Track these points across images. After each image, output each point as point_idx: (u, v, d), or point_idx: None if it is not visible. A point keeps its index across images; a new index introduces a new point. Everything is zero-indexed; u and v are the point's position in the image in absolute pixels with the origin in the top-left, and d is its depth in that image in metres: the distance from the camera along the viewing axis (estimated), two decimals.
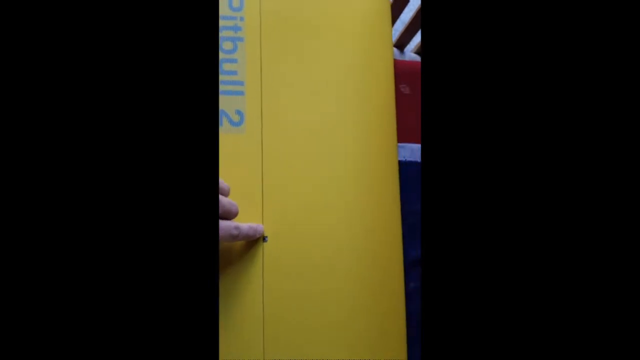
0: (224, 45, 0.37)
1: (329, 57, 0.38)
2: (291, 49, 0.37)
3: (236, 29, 0.37)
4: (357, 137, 0.37)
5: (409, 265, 0.39)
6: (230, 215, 0.31)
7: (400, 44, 0.49)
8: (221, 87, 0.36)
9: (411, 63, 0.47)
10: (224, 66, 0.36)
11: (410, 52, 0.50)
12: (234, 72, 0.36)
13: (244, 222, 0.32)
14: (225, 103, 0.36)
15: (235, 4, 0.37)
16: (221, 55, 0.36)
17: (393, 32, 0.42)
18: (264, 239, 0.34)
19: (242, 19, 0.37)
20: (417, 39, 0.49)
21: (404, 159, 0.43)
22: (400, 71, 0.45)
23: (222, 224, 0.30)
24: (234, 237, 0.31)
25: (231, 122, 0.35)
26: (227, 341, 0.32)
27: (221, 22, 0.37)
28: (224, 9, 0.37)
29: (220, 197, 0.31)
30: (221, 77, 0.36)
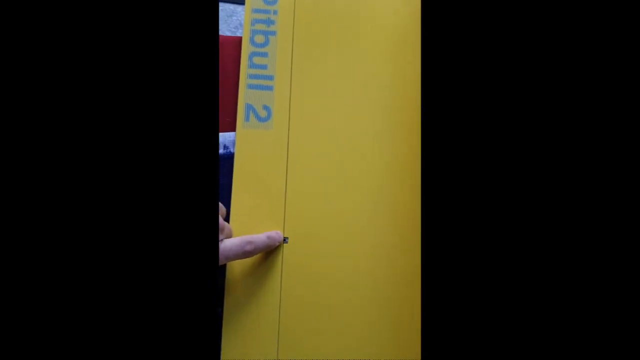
0: (256, 38, 0.36)
1: (362, 57, 0.36)
2: (324, 45, 0.36)
3: (269, 22, 0.36)
4: (386, 141, 0.35)
5: None
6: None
7: None
8: (250, 81, 0.35)
9: None
10: (254, 59, 0.35)
11: None
12: (264, 67, 0.35)
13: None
14: (253, 97, 0.35)
15: None
16: (252, 49, 0.35)
17: None
18: (284, 240, 0.32)
19: (275, 12, 0.36)
20: None
21: None
22: None
23: (234, 241, 0.29)
24: (249, 253, 0.30)
25: (258, 117, 0.34)
26: (241, 341, 0.31)
27: (254, 15, 0.36)
28: (257, 2, 0.36)
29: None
30: (250, 71, 0.35)
